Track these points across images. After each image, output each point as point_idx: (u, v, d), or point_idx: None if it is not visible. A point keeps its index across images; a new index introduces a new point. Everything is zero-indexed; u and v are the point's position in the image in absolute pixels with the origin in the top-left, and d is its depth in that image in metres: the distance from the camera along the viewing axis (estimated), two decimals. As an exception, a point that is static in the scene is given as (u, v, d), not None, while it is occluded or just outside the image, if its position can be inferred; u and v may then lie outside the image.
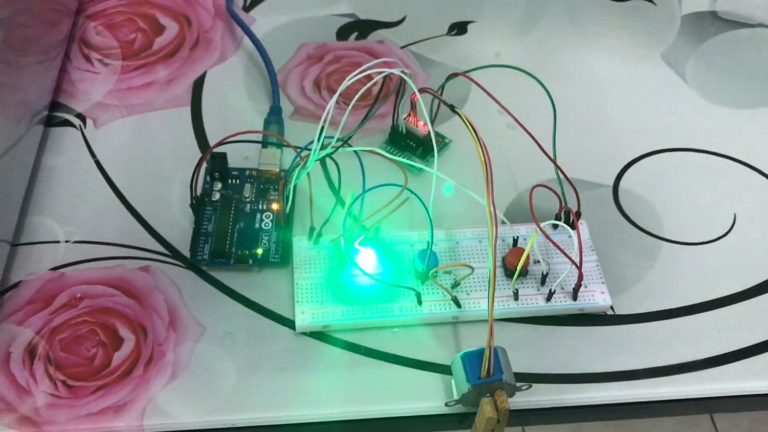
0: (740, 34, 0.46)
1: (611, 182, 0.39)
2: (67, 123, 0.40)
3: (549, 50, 0.45)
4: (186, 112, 0.40)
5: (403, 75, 0.32)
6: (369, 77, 0.32)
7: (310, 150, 0.32)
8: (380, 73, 0.32)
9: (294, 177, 0.32)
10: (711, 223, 0.37)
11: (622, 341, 0.33)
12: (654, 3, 0.48)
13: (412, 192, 0.30)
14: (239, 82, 0.42)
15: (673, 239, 0.37)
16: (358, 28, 0.45)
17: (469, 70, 0.33)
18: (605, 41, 0.46)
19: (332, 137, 0.32)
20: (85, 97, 0.41)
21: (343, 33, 0.45)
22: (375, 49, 0.44)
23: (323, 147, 0.32)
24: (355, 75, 0.31)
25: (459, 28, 0.46)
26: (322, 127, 0.31)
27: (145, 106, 0.41)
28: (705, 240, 0.37)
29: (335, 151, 0.32)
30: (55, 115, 0.40)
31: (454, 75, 0.33)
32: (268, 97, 0.41)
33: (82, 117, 0.40)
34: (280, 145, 0.38)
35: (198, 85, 0.42)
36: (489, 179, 0.29)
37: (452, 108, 0.31)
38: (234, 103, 0.41)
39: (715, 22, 0.47)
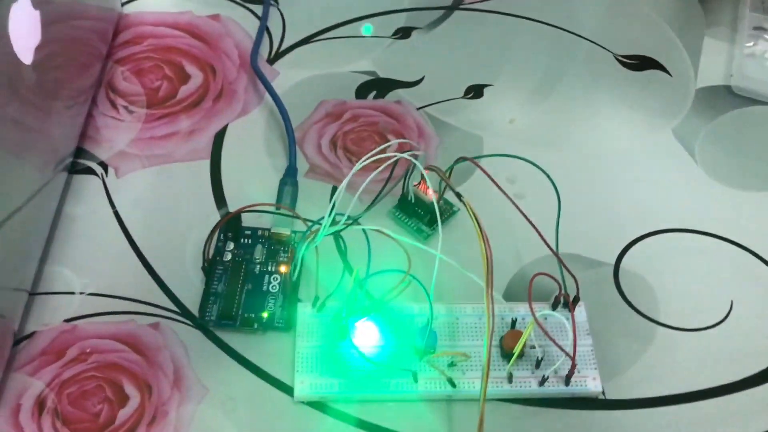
0: (753, 111, 0.47)
1: (613, 261, 0.39)
2: (90, 170, 0.41)
3: (562, 118, 0.46)
4: (206, 165, 0.42)
5: (411, 159, 0.33)
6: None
7: (320, 225, 0.33)
8: (391, 157, 0.33)
9: (303, 249, 0.34)
10: (707, 309, 0.38)
11: (611, 427, 0.34)
12: (670, 74, 0.48)
13: (414, 278, 0.32)
14: (259, 136, 0.43)
15: (669, 324, 0.37)
16: (377, 86, 0.46)
17: (477, 156, 0.34)
18: (618, 111, 0.46)
19: (343, 213, 0.33)
20: (109, 144, 0.42)
21: (362, 91, 0.46)
22: (392, 109, 0.45)
23: (333, 223, 0.33)
24: (365, 160, 0.32)
25: (476, 92, 0.47)
26: (334, 205, 0.32)
27: (166, 157, 0.42)
28: (701, 326, 0.37)
29: (344, 228, 0.33)
30: (78, 161, 0.41)
31: (463, 159, 0.34)
32: (287, 153, 0.42)
33: (104, 165, 0.41)
34: (291, 206, 0.39)
35: (219, 137, 0.43)
36: (489, 276, 0.30)
37: (458, 196, 0.32)
38: (253, 159, 0.42)
39: (728, 97, 0.47)
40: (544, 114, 0.46)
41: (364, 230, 0.33)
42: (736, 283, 0.39)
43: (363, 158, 0.32)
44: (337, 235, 0.34)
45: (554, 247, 0.34)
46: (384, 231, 0.33)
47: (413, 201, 0.39)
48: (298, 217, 0.36)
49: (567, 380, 0.34)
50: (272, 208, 0.37)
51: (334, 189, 0.41)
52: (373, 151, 0.32)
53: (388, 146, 0.33)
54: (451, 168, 0.36)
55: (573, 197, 0.41)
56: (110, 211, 0.40)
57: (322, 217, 0.33)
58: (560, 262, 0.34)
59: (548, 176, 0.34)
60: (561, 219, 0.35)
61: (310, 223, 0.33)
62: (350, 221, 0.33)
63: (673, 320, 0.37)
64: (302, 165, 0.42)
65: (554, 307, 0.36)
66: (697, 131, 0.45)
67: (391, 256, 0.34)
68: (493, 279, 0.38)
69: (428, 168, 0.35)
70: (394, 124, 0.44)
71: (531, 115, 0.46)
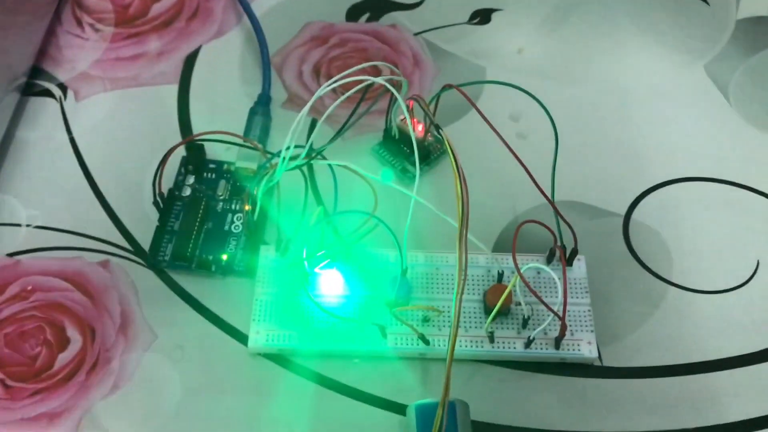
0: (801, 46, 0.41)
1: (623, 211, 0.35)
2: (47, 93, 0.37)
3: (578, 49, 0.40)
4: (173, 91, 0.38)
5: (386, 84, 0.28)
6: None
7: (279, 158, 0.29)
8: (360, 82, 0.28)
9: (261, 187, 0.30)
10: (729, 269, 0.33)
11: (607, 398, 0.30)
12: (706, 1, 0.42)
13: (379, 221, 0.27)
14: (234, 60, 0.39)
15: (681, 284, 0.33)
16: (371, 7, 0.41)
17: (464, 84, 0.29)
18: (643, 43, 0.41)
19: (302, 146, 0.29)
20: (70, 65, 0.38)
21: (354, 12, 0.41)
22: (386, 34, 0.40)
23: (295, 157, 0.29)
24: (332, 83, 0.28)
25: (482, 17, 0.41)
26: (294, 137, 0.28)
27: (131, 80, 0.38)
28: (719, 289, 0.33)
29: (305, 163, 0.29)
30: (35, 83, 0.38)
31: (449, 87, 0.30)
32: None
33: (63, 87, 0.38)
34: (262, 139, 0.35)
35: (190, 61, 0.39)
36: (464, 220, 0.25)
37: (437, 128, 0.28)
38: (225, 86, 0.38)
39: (773, 29, 0.41)
40: (558, 44, 0.41)
41: (330, 165, 0.29)
42: (766, 241, 0.34)
43: (331, 80, 0.28)
44: (308, 171, 0.30)
45: (549, 193, 0.29)
46: (350, 167, 0.29)
47: (397, 137, 0.35)
48: (256, 148, 0.32)
49: (557, 343, 0.30)
50: (234, 140, 0.32)
51: (314, 122, 0.37)
52: (343, 73, 0.28)
53: (362, 68, 0.29)
54: (436, 96, 0.31)
55: (584, 138, 0.36)
56: (66, 137, 0.36)
57: (281, 150, 0.29)
58: (554, 208, 0.29)
59: (542, 104, 0.29)
60: (570, 162, 0.30)
61: (269, 156, 0.29)
62: (314, 154, 0.29)
63: (688, 280, 0.33)
64: (280, 94, 0.38)
65: (549, 260, 0.32)
66: (733, 68, 0.40)
67: (367, 198, 0.30)
68: (486, 227, 0.34)
69: (411, 98, 0.31)
70: (386, 51, 0.40)
71: (542, 44, 0.41)
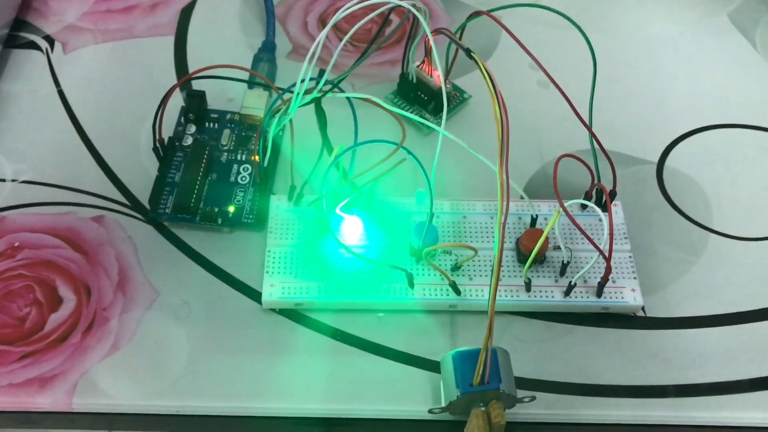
0: (826, -5, 0.39)
1: (656, 158, 0.33)
2: (33, 45, 0.35)
3: (598, -1, 0.39)
4: (169, 42, 0.35)
5: (412, 9, 0.26)
6: (385, 15, 0.26)
7: (293, 93, 0.26)
8: (383, 4, 0.26)
9: (273, 125, 0.27)
10: (771, 216, 0.31)
11: (652, 350, 0.27)
12: (726, -47, 0.41)
13: (408, 152, 0.25)
14: (234, 10, 0.37)
15: (723, 232, 0.31)
16: (378, -41, 0.39)
17: (495, 8, 0.27)
18: (664, -7, 0.39)
19: (315, 78, 0.26)
20: (57, 17, 0.36)
21: (359, -36, 0.39)
22: (394, -16, 0.38)
23: (309, 91, 0.26)
24: (352, 5, 0.25)
25: (495, -33, 0.39)
26: (312, 65, 0.26)
27: (124, 32, 0.35)
28: (761, 235, 0.31)
29: (323, 95, 0.26)
30: (19, 35, 0.35)
31: (478, 13, 0.27)
32: (266, 30, 0.35)
33: (50, 40, 0.35)
34: (268, 86, 0.32)
35: (187, 11, 0.36)
36: (505, 140, 0.23)
37: (468, 52, 0.25)
38: (225, 36, 0.36)
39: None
40: (576, -7, 0.39)
41: (348, 99, 0.27)
42: (806, 186, 0.32)
43: (350, 3, 0.25)
44: (318, 107, 0.27)
45: (588, 123, 0.27)
46: (373, 99, 0.26)
47: (415, 83, 0.33)
48: (269, 85, 0.29)
49: (599, 290, 0.27)
50: (245, 75, 0.30)
51: (322, 72, 0.35)
52: (362, -2, 0.25)
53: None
54: (462, 27, 0.29)
55: (611, 86, 0.34)
56: (54, 89, 0.33)
57: (294, 84, 0.26)
58: (594, 138, 0.27)
59: (583, 32, 0.27)
60: (598, 110, 0.28)
61: (282, 91, 0.27)
62: (330, 87, 0.26)
63: (728, 227, 0.31)
64: (284, 45, 0.35)
65: (584, 206, 0.29)
66: (759, 16, 0.38)
67: (387, 136, 0.27)
68: (511, 176, 0.32)
69: (436, 31, 0.28)
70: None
71: (559, -6, 0.39)
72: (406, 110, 0.33)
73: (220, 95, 0.33)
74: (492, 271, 0.22)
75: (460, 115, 0.34)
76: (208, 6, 0.37)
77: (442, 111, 0.25)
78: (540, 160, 0.32)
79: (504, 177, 0.23)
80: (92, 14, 0.36)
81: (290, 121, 0.27)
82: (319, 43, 0.25)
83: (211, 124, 0.31)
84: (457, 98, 0.34)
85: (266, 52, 0.34)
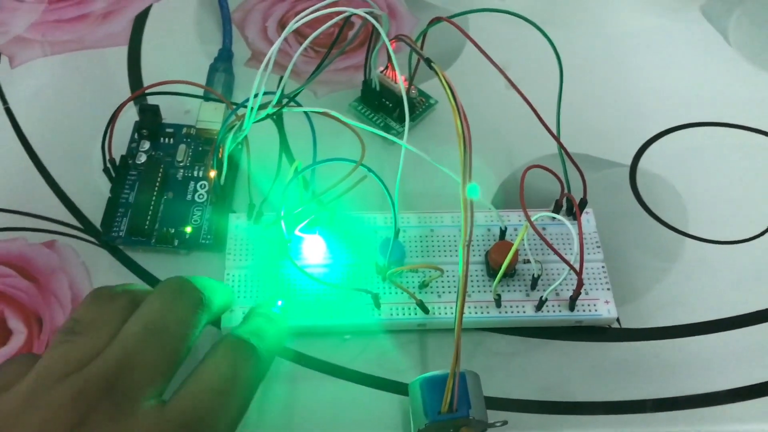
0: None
1: (629, 161, 0.32)
2: (-23, 60, 0.33)
3: (565, -5, 0.38)
4: (122, 52, 0.34)
5: (369, 17, 0.25)
6: (348, 19, 0.25)
7: (247, 108, 0.25)
8: (339, 13, 0.25)
9: (229, 141, 0.26)
10: (747, 218, 0.30)
11: (628, 363, 0.27)
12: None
13: (369, 169, 0.24)
14: (190, 17, 0.35)
15: (698, 236, 0.30)
16: (339, -41, 0.38)
17: (455, 14, 0.26)
18: (634, -13, 0.38)
19: (273, 92, 0.25)
20: (3, 29, 0.34)
21: (319, -35, 0.38)
22: (357, -15, 0.37)
23: (265, 105, 0.25)
24: (305, 16, 0.24)
25: (460, -36, 0.38)
26: (265, 80, 0.24)
27: (75, 43, 0.34)
28: (738, 238, 0.30)
29: (279, 111, 0.25)
30: (-39, 49, 0.33)
31: (438, 20, 0.26)
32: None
33: (-5, 53, 0.33)
34: (226, 98, 0.31)
35: (140, 20, 0.35)
36: (468, 159, 0.22)
37: (428, 62, 0.24)
38: (181, 45, 0.34)
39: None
40: (544, -10, 0.38)
41: (306, 113, 0.26)
42: (782, 185, 0.31)
43: (305, 11, 0.24)
44: (276, 121, 0.26)
45: (556, 131, 0.26)
46: (331, 113, 0.25)
47: (379, 90, 0.31)
48: (222, 100, 0.28)
49: (572, 304, 0.26)
50: (195, 92, 0.28)
51: (281, 80, 0.33)
52: (321, 3, 0.24)
53: (335, 1, 0.25)
54: (423, 33, 0.28)
55: (580, 86, 0.33)
56: (0, 106, 0.32)
57: (248, 99, 0.25)
58: (563, 150, 0.26)
59: (548, 38, 0.26)
60: (566, 113, 0.27)
61: (235, 106, 0.26)
62: (286, 100, 0.25)
63: (704, 231, 0.30)
64: (243, 52, 0.34)
65: (555, 213, 0.29)
66: (730, 8, 0.37)
67: (347, 153, 0.26)
68: (480, 185, 0.31)
69: (396, 38, 0.27)
70: (357, 1, 0.36)
71: (527, -9, 0.38)
72: (371, 118, 0.32)
73: (176, 107, 0.31)
74: (457, 296, 0.21)
75: (426, 121, 0.33)
76: (163, 13, 0.35)
77: (410, 117, 0.23)
78: (510, 166, 0.31)
79: (466, 197, 0.22)
80: (41, 24, 0.34)
81: (246, 137, 0.26)
82: (270, 57, 0.23)
83: (166, 139, 0.30)
84: (423, 104, 0.32)
85: (222, 61, 0.32)
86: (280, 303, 0.26)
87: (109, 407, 0.20)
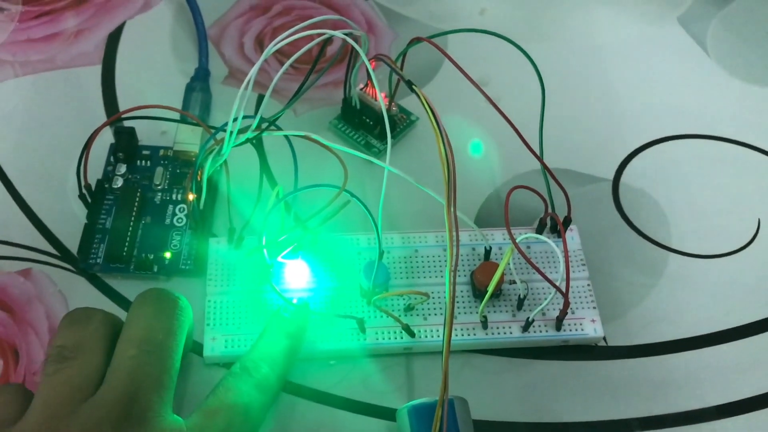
0: (774, -6, 0.39)
1: (611, 175, 0.32)
2: (-55, 82, 0.32)
3: (544, 7, 0.37)
4: (96, 72, 0.33)
5: (348, 39, 0.24)
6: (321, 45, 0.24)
7: (225, 132, 0.24)
8: (318, 35, 0.24)
9: (208, 165, 0.25)
10: (730, 231, 0.30)
11: (615, 382, 0.27)
12: (673, -47, 0.40)
13: (351, 194, 0.23)
14: (165, 35, 0.35)
15: (682, 250, 0.30)
16: (316, -27, 0.37)
17: (434, 35, 0.26)
18: (612, -2, 0.38)
19: (253, 116, 0.25)
20: (-28, 49, 0.33)
21: (296, -21, 0.37)
22: (334, -1, 0.36)
23: (244, 130, 0.24)
24: (285, 37, 0.24)
25: (438, -23, 0.38)
26: (244, 104, 0.24)
27: (46, 63, 0.33)
28: (722, 252, 0.30)
29: (258, 135, 0.25)
30: (-70, 71, 0.32)
31: (418, 40, 0.26)
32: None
33: (-36, 75, 0.32)
34: (203, 118, 0.30)
35: (113, 38, 0.34)
36: (452, 184, 0.22)
37: (409, 84, 0.24)
38: (156, 64, 0.34)
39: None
40: (522, 1, 0.37)
41: (287, 137, 0.25)
42: (764, 198, 0.31)
43: (283, 35, 0.24)
44: (257, 146, 0.26)
45: (538, 153, 0.26)
46: (312, 136, 0.25)
47: (359, 108, 0.31)
48: (199, 124, 0.27)
49: (558, 324, 0.26)
50: (172, 115, 0.28)
51: (261, 98, 0.33)
52: (297, 26, 0.24)
53: (314, 23, 0.25)
54: (403, 53, 0.27)
55: (560, 101, 0.33)
56: (-30, 130, 0.31)
57: (227, 123, 0.24)
58: (546, 170, 0.26)
59: (530, 58, 0.26)
60: (547, 126, 0.26)
61: (214, 131, 0.25)
62: (266, 124, 0.24)
63: (688, 245, 0.30)
64: (220, 69, 0.34)
65: (539, 231, 0.28)
66: (708, 19, 0.37)
67: (329, 175, 0.25)
68: (463, 202, 0.31)
69: (375, 58, 0.27)
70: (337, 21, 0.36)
71: (506, 3, 0.37)
72: (351, 136, 0.32)
73: (153, 128, 0.31)
74: (444, 326, 0.21)
75: (407, 138, 0.32)
76: (137, 30, 0.35)
77: (391, 134, 0.23)
78: (492, 183, 0.31)
79: (453, 220, 0.21)
80: (11, 44, 0.33)
81: (225, 160, 0.25)
82: (249, 81, 0.23)
83: (143, 162, 0.30)
84: (404, 121, 0.32)
85: (199, 80, 0.32)
86: (295, 300, 0.26)
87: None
